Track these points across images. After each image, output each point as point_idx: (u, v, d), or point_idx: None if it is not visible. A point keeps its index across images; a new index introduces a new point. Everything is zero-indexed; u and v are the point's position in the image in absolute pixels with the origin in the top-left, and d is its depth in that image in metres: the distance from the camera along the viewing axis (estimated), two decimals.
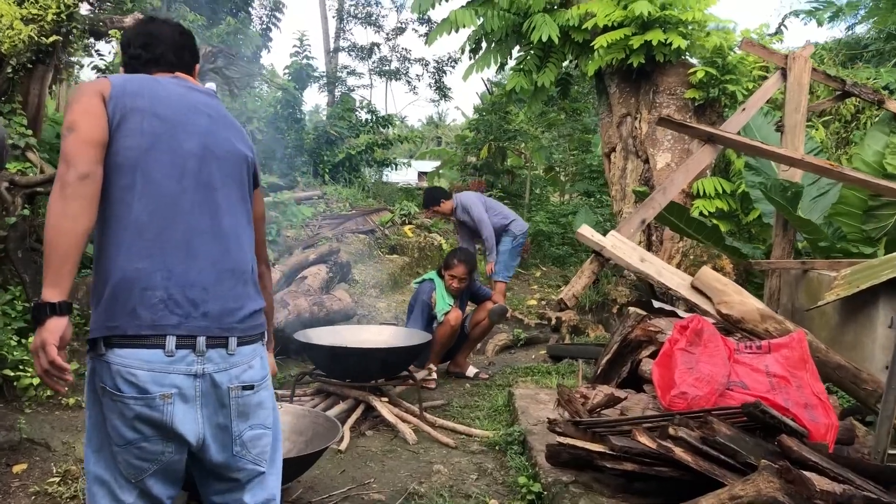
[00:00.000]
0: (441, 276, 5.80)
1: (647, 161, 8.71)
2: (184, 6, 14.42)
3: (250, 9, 17.64)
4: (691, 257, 8.15)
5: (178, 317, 1.97)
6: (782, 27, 12.78)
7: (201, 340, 1.99)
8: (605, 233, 4.81)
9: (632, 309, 4.59)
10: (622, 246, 4.60)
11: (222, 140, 2.17)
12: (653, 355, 4.31)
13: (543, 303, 10.12)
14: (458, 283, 5.71)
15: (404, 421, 4.47)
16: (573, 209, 16.10)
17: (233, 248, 2.12)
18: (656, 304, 5.79)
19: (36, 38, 4.90)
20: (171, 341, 1.95)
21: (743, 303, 4.27)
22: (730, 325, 4.29)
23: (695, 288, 4.42)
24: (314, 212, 8.98)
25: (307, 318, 5.65)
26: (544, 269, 13.64)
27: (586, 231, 4.65)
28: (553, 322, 7.42)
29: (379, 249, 9.26)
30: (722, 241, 6.51)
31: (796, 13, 13.14)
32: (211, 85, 2.38)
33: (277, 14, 18.78)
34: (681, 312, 5.64)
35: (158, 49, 2.28)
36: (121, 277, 1.95)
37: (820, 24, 12.68)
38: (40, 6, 4.89)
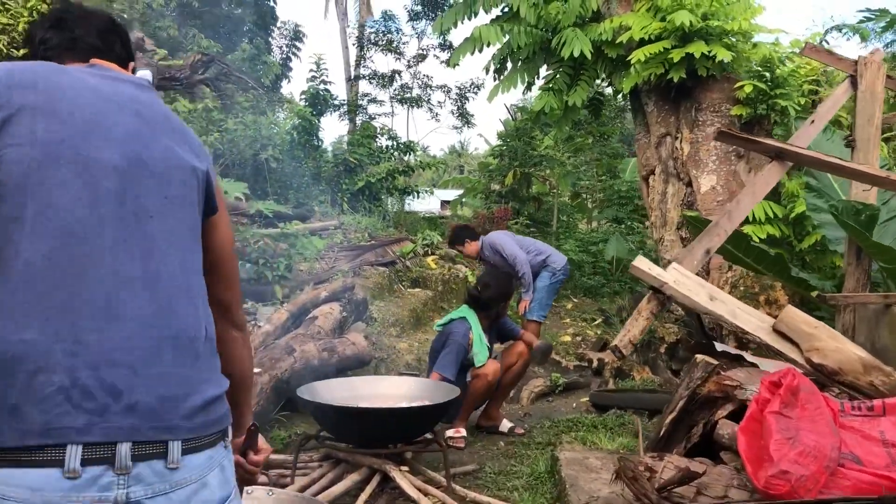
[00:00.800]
0: (477, 310, 5.04)
1: (689, 184, 8.02)
2: (199, 34, 13.97)
3: (270, 38, 17.25)
4: (741, 288, 7.39)
5: (87, 414, 1.27)
6: (824, 41, 12.05)
7: (124, 449, 1.29)
8: (658, 264, 4.09)
9: (699, 357, 3.84)
10: (687, 282, 3.86)
11: (158, 147, 1.48)
12: (732, 416, 3.55)
13: (578, 339, 9.34)
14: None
15: (428, 494, 3.73)
16: (603, 237, 15.37)
17: (177, 305, 1.43)
18: (720, 346, 5.03)
19: (6, 50, 4.31)
20: (73, 454, 1.25)
21: (839, 349, 3.51)
22: (823, 378, 3.53)
23: (777, 331, 3.67)
24: (328, 243, 8.32)
25: (316, 365, 4.95)
26: (576, 300, 12.85)
27: (643, 264, 3.91)
28: (595, 364, 6.66)
29: (400, 283, 8.57)
30: (787, 272, 5.74)
31: (839, 28, 12.41)
32: (145, 73, 1.76)
33: (297, 44, 18.38)
34: (748, 356, 4.88)
35: (76, 30, 1.61)
36: None
37: (864, 38, 11.93)
38: (11, 14, 4.30)
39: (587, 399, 6.07)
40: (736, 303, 3.88)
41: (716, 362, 3.79)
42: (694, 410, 3.80)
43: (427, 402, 4.05)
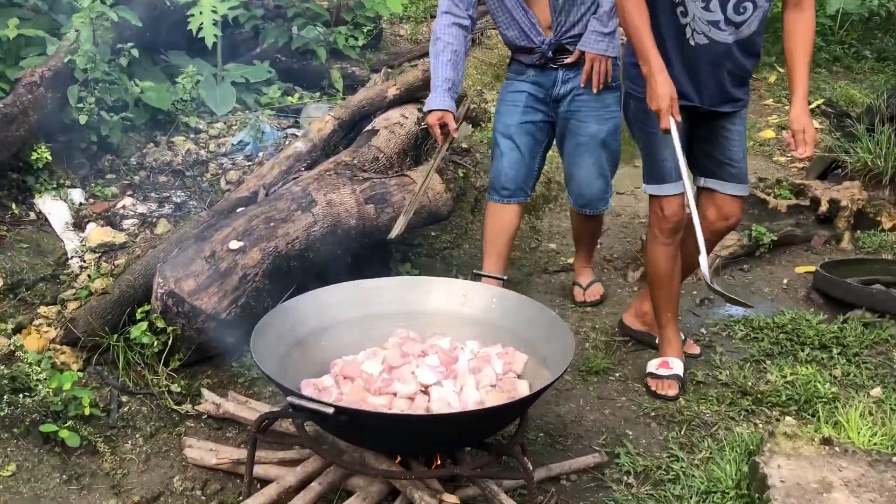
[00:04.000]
0: None
1: None
2: None
3: None
4: None
5: None
6: None
7: None
8: None
9: None
10: None
11: None
12: None
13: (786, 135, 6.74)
14: None
15: None
16: None
17: None
18: None
19: None
20: None
21: None
22: None
23: None
24: None
25: (353, 228, 2.98)
26: (781, 69, 9.79)
27: None
28: (824, 207, 4.23)
29: None
30: None
31: None
32: None
33: None
34: None
35: None
36: None
37: None
38: None
39: (808, 271, 3.81)
40: None
41: None
42: None
43: (494, 381, 2.04)
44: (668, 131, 2.48)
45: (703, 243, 2.51)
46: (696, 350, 3.05)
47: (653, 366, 2.85)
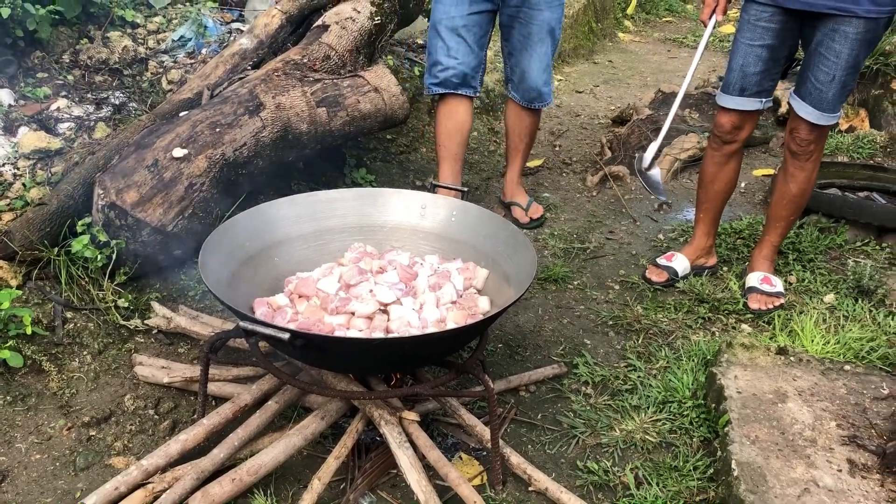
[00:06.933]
0: None
1: None
2: None
3: None
4: None
5: None
6: None
7: None
8: None
9: None
10: None
11: None
12: None
13: None
14: None
15: (435, 474, 1.84)
16: None
17: None
18: None
19: None
20: None
21: None
22: None
23: None
24: None
25: (304, 133, 2.84)
26: None
27: None
28: (784, 108, 4.21)
29: None
30: None
31: None
32: None
33: None
34: None
35: None
36: None
37: None
38: None
39: (764, 174, 3.81)
40: None
41: None
42: None
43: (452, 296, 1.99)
44: (704, 24, 2.63)
45: (663, 133, 2.81)
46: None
47: (662, 257, 2.97)
